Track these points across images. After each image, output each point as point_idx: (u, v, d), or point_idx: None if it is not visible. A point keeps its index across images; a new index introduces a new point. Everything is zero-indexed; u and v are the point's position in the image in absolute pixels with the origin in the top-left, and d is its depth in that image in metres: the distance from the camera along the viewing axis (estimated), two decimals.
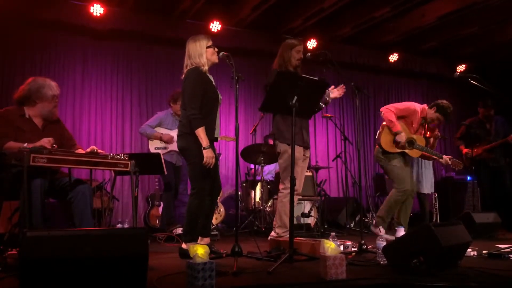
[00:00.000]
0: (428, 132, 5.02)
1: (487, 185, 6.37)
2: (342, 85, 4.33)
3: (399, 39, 7.97)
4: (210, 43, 3.70)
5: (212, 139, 3.64)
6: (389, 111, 4.85)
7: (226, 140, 7.10)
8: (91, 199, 3.55)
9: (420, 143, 4.88)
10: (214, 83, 3.75)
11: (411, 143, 4.87)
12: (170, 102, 5.75)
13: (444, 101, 4.95)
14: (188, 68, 3.68)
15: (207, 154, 3.49)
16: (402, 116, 4.93)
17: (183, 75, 3.70)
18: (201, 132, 3.50)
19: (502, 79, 7.75)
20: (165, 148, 5.57)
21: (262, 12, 6.86)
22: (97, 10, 6.31)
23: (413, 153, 4.88)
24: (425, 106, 5.03)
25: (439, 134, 5.17)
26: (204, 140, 3.50)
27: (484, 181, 6.40)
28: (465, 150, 6.41)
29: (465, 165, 6.60)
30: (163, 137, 5.56)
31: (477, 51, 8.48)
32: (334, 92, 4.35)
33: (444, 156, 4.91)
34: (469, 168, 6.56)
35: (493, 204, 6.04)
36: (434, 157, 5.00)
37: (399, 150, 4.85)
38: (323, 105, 4.37)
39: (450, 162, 4.95)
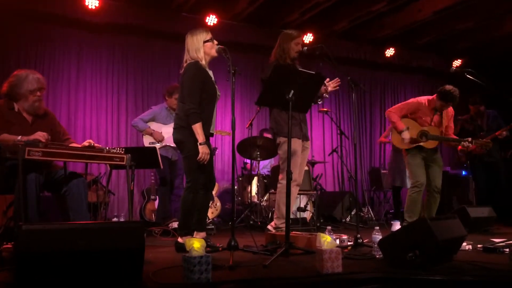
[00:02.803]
0: (445, 121, 4.98)
1: (482, 180, 6.40)
2: (337, 78, 4.32)
3: (396, 34, 7.97)
4: (208, 37, 3.67)
5: (208, 134, 3.63)
6: (391, 112, 5.01)
7: (222, 135, 7.09)
8: (86, 193, 3.53)
9: (434, 133, 4.89)
10: (213, 78, 3.74)
11: (424, 135, 4.88)
12: (165, 95, 5.72)
13: (447, 86, 4.88)
14: (188, 62, 3.67)
15: (203, 150, 3.49)
16: (412, 113, 5.00)
17: (182, 69, 3.69)
18: (198, 128, 3.50)
19: (498, 74, 7.77)
20: (159, 142, 5.55)
21: (258, 6, 6.84)
22: (92, 3, 6.26)
23: (429, 144, 4.89)
24: (434, 96, 4.99)
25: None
26: (200, 136, 3.50)
27: (479, 176, 6.43)
28: (459, 147, 6.43)
29: (461, 161, 6.65)
30: (154, 134, 5.53)
31: (473, 46, 8.49)
32: (329, 85, 4.34)
33: (466, 139, 4.89)
34: (465, 163, 6.59)
35: (488, 199, 6.07)
36: (452, 143, 5.04)
37: (412, 146, 4.90)
38: (320, 101, 4.37)
39: (471, 146, 4.87)
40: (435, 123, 4.95)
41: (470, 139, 4.87)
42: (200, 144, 3.49)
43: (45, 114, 3.76)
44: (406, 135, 4.85)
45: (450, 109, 5.01)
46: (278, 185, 4.25)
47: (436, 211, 5.03)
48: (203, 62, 3.65)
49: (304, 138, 4.32)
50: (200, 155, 3.48)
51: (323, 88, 4.23)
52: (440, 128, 4.96)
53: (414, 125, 4.94)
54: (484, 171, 6.37)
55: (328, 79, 4.33)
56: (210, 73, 3.72)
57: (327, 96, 4.38)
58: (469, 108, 6.50)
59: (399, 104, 5.17)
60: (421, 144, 4.88)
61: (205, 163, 3.53)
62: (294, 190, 4.29)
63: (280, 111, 4.15)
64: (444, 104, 4.89)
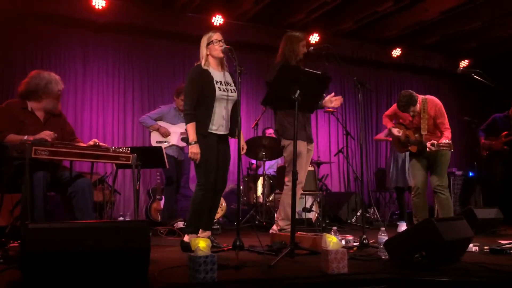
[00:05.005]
0: (427, 120, 4.80)
1: (499, 178, 6.39)
2: (340, 96, 4.35)
3: (402, 34, 7.94)
4: (212, 39, 3.70)
5: (206, 134, 3.63)
6: (383, 117, 5.25)
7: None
8: (91, 194, 3.54)
9: (411, 136, 4.90)
10: (225, 79, 3.75)
11: (407, 140, 4.92)
12: (174, 95, 5.76)
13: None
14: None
15: (191, 149, 3.58)
16: (396, 117, 5.11)
17: None
18: (189, 128, 3.60)
19: (505, 74, 7.72)
20: (166, 142, 5.57)
21: (264, 6, 6.84)
22: (99, 3, 6.29)
23: (413, 148, 4.90)
24: None
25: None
26: (191, 136, 3.59)
27: (497, 173, 6.41)
28: (483, 141, 6.49)
29: (481, 155, 6.64)
30: (160, 129, 5.57)
31: (480, 46, 8.45)
32: (331, 102, 4.32)
33: (427, 143, 4.76)
34: (485, 158, 6.59)
35: (502, 197, 6.06)
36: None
37: (405, 150, 5.00)
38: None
39: (433, 148, 4.56)
40: (415, 125, 4.86)
41: (432, 141, 4.55)
42: (190, 144, 3.58)
43: (59, 114, 3.83)
44: (395, 131, 4.96)
45: (431, 106, 4.74)
46: (285, 187, 4.26)
47: None
48: (204, 63, 3.70)
49: (309, 140, 4.34)
50: (189, 154, 3.59)
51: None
52: (423, 129, 4.76)
53: (402, 129, 4.98)
54: (502, 169, 6.37)
55: (333, 93, 4.33)
56: (219, 75, 3.74)
57: (323, 107, 4.41)
58: (510, 105, 6.45)
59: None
60: (409, 148, 4.90)
61: (197, 162, 3.58)
62: (298, 191, 4.30)
63: (285, 114, 4.18)
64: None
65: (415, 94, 4.76)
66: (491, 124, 6.58)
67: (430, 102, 4.77)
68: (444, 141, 4.53)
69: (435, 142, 4.52)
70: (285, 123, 4.21)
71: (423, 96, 4.82)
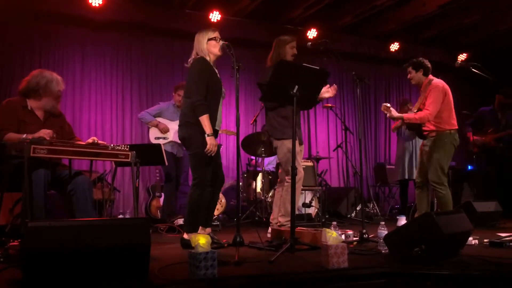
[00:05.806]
0: (421, 100, 4.70)
1: (493, 173, 6.39)
2: (334, 85, 4.31)
3: (400, 28, 7.92)
4: (213, 36, 3.69)
5: (213, 130, 3.62)
6: None
7: (227, 134, 7.09)
8: (91, 192, 3.54)
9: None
10: (219, 76, 3.75)
11: None
12: (173, 91, 5.79)
13: None
14: (193, 57, 3.70)
15: (211, 141, 3.46)
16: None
17: (188, 64, 3.72)
18: (205, 119, 3.48)
19: (504, 68, 7.71)
20: (165, 138, 5.58)
21: (262, 2, 6.82)
22: (96, 0, 6.27)
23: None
24: None
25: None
26: (208, 127, 3.47)
27: (490, 169, 6.41)
28: (472, 138, 6.50)
29: (472, 151, 6.64)
30: (159, 125, 5.58)
31: (478, 40, 8.44)
32: (328, 92, 4.31)
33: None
34: (474, 155, 6.58)
35: (497, 193, 6.06)
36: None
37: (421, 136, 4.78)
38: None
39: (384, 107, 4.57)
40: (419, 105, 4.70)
41: (388, 104, 4.50)
42: (208, 135, 3.46)
43: (59, 114, 3.83)
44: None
45: (431, 87, 4.58)
46: (285, 184, 4.23)
47: None
48: (208, 58, 3.68)
49: (299, 141, 4.31)
50: (208, 146, 3.45)
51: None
52: (415, 107, 4.67)
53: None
54: (494, 165, 6.37)
55: (328, 85, 4.31)
56: (217, 71, 3.73)
57: (321, 99, 4.38)
58: (495, 97, 6.43)
59: None
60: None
61: (212, 154, 3.51)
62: (298, 188, 4.30)
63: (276, 115, 4.15)
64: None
65: (426, 63, 4.66)
66: (478, 118, 6.55)
67: (432, 84, 4.62)
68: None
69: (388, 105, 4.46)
70: (275, 124, 4.16)
71: (431, 78, 4.70)
